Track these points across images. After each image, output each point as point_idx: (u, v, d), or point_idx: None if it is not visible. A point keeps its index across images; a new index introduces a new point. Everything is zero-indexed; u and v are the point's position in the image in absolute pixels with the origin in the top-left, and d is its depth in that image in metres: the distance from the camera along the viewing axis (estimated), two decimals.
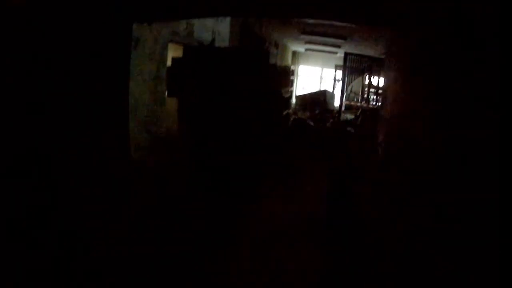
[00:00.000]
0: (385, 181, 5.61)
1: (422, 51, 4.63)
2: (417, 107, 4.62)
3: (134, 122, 4.66)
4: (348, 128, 12.14)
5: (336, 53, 14.36)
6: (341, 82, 13.83)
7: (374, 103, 13.58)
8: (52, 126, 3.25)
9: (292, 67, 16.38)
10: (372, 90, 14.07)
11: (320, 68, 19.44)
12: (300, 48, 16.09)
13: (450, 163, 3.07)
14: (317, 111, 14.37)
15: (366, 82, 14.18)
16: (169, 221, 4.56)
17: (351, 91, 14.95)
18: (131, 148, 4.57)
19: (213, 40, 7.23)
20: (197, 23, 6.31)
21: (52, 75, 3.18)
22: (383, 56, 9.47)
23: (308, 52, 17.12)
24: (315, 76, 19.73)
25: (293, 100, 16.77)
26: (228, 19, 7.79)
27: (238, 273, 3.76)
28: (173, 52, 7.31)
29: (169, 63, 6.09)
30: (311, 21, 8.35)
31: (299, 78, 19.53)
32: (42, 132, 3.10)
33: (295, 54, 18.11)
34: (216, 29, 7.33)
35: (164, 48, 5.33)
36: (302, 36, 10.90)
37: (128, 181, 4.36)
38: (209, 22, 6.91)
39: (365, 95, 14.30)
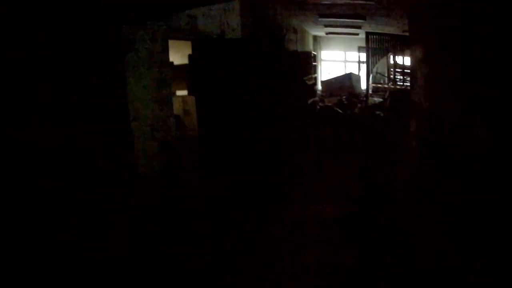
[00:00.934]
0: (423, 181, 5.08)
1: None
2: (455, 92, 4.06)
3: (139, 130, 4.35)
4: (377, 112, 11.61)
5: (357, 34, 13.77)
6: (365, 64, 13.21)
7: (402, 83, 12.93)
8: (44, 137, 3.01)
9: (314, 53, 15.86)
10: (398, 70, 13.41)
11: (343, 52, 18.78)
12: (320, 32, 15.55)
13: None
14: (344, 96, 13.84)
15: (391, 62, 13.52)
16: (180, 229, 4.30)
17: (376, 72, 14.31)
18: (137, 157, 4.30)
19: (222, 32, 6.81)
20: (200, 15, 5.88)
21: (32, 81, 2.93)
22: (406, 33, 8.88)
23: (330, 35, 16.54)
24: (339, 60, 19.11)
25: (319, 87, 16.26)
26: (237, 7, 7.33)
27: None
28: (181, 50, 6.96)
29: (176, 61, 5.79)
30: (327, 1, 7.87)
31: (323, 63, 18.96)
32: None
33: (316, 39, 17.52)
34: (224, 20, 6.88)
35: (165, 47, 4.93)
36: (320, 19, 10.40)
37: (133, 190, 4.08)
38: (214, 12, 6.46)
39: (391, 76, 13.65)
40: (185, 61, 6.08)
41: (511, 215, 2.33)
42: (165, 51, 5.00)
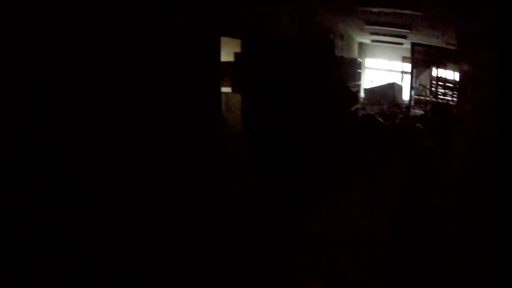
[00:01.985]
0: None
1: None
2: None
3: None
4: (418, 124, 11.65)
5: (402, 44, 13.82)
6: (409, 74, 13.24)
7: (443, 97, 12.92)
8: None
9: (359, 60, 15.96)
10: (440, 83, 13.37)
11: (387, 61, 18.79)
12: (366, 39, 15.63)
13: None
14: (385, 106, 13.93)
15: (434, 74, 13.51)
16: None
17: (419, 84, 14.30)
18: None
19: (272, 32, 7.08)
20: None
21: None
22: (450, 46, 8.96)
23: (374, 43, 16.58)
24: (382, 68, 19.12)
25: (362, 94, 16.36)
26: (288, 8, 7.61)
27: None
28: (226, 47, 7.21)
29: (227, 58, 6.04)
30: (375, 9, 8.07)
31: (366, 71, 19.01)
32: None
33: (361, 46, 17.60)
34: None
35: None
36: (367, 27, 10.57)
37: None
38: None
39: (433, 89, 13.63)
40: (229, 58, 6.32)
41: None
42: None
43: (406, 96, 14.87)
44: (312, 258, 4.20)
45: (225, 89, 7.78)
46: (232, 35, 5.83)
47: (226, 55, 6.49)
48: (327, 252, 4.32)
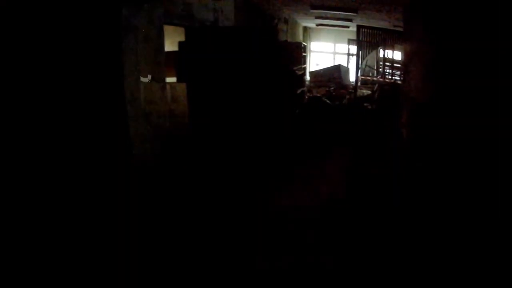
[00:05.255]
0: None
1: None
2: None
3: (132, 114, 4.36)
4: (365, 104, 11.74)
5: (348, 27, 13.86)
6: (355, 56, 13.31)
7: (390, 77, 13.11)
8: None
9: (304, 44, 15.93)
10: (387, 63, 13.57)
11: (332, 44, 18.87)
12: (311, 23, 15.61)
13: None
14: (332, 88, 13.96)
15: (381, 55, 13.69)
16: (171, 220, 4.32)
17: (366, 65, 14.44)
18: (132, 143, 4.30)
19: (216, 20, 6.87)
20: (195, 2, 5.93)
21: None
22: (397, 28, 9.01)
23: (320, 27, 16.60)
24: (328, 52, 19.19)
25: (307, 78, 16.34)
26: None
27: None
28: (170, 37, 6.98)
29: (169, 48, 5.81)
30: None
31: (312, 54, 19.03)
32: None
33: (306, 30, 17.58)
34: (218, 8, 6.94)
35: (160, 32, 4.97)
36: (312, 11, 10.45)
37: (130, 176, 4.11)
38: (209, 0, 6.51)
39: (380, 69, 13.81)
40: (173, 48, 6.12)
41: None
42: (161, 36, 5.04)
43: (352, 77, 14.97)
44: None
45: (171, 79, 7.58)
46: (176, 24, 5.55)
47: (171, 45, 6.25)
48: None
